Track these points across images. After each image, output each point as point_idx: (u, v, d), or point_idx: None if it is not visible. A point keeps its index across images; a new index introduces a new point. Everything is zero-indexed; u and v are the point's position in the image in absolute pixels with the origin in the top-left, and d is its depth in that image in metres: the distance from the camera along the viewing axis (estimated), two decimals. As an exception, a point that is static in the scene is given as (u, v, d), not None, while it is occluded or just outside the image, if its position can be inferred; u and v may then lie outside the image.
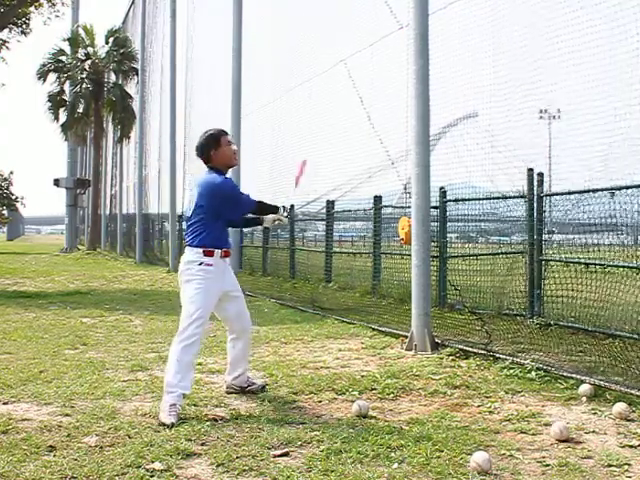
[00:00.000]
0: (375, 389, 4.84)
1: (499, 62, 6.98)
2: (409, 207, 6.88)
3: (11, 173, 36.47)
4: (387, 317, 7.93)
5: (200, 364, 5.60)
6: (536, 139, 6.95)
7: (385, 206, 10.49)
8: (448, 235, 9.15)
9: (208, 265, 4.30)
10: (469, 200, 8.41)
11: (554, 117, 6.97)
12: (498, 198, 8.05)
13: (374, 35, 9.27)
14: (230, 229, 4.68)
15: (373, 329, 7.50)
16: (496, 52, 7.00)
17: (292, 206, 13.57)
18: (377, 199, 10.48)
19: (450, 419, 4.10)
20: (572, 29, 5.82)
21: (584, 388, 4.65)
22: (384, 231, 10.66)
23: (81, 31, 29.47)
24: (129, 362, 5.73)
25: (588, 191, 6.49)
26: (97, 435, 3.72)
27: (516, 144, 7.10)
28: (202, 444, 3.61)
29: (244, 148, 12.40)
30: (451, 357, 5.96)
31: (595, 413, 4.26)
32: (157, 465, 3.26)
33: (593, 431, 3.91)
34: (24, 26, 24.82)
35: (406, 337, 6.57)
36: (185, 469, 3.26)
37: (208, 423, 3.95)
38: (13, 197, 37.03)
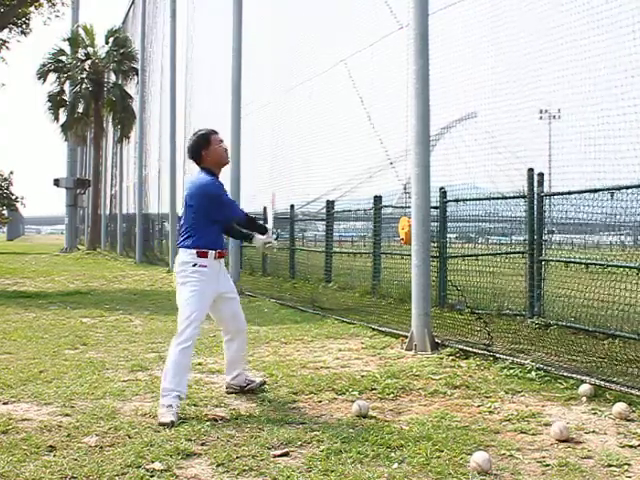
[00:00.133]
0: (375, 389, 4.84)
1: (499, 62, 6.98)
2: (409, 207, 6.88)
3: (11, 173, 36.47)
4: (387, 317, 7.93)
5: (200, 364, 5.61)
6: (536, 139, 6.95)
7: (385, 206, 10.50)
8: (448, 235, 9.15)
9: (202, 266, 4.30)
10: (469, 200, 8.41)
11: (554, 117, 6.97)
12: (498, 198, 8.05)
13: (374, 35, 9.27)
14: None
15: (373, 329, 7.50)
16: (496, 52, 7.00)
17: (292, 206, 13.60)
18: (377, 199, 10.49)
19: (450, 419, 4.10)
20: (572, 29, 5.83)
21: (584, 388, 4.65)
22: (384, 231, 10.66)
23: (81, 31, 29.47)
24: (129, 362, 5.73)
25: (588, 191, 6.49)
26: (97, 435, 3.72)
27: (516, 144, 7.10)
28: (202, 444, 3.61)
29: (244, 148, 12.40)
30: (451, 357, 5.96)
31: (595, 413, 4.26)
32: (157, 465, 3.26)
33: (593, 431, 3.91)
34: (24, 26, 24.82)
35: (406, 337, 6.57)
36: (185, 469, 3.26)
37: (208, 423, 3.95)
38: (13, 197, 36.99)
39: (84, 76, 28.23)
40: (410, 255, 6.75)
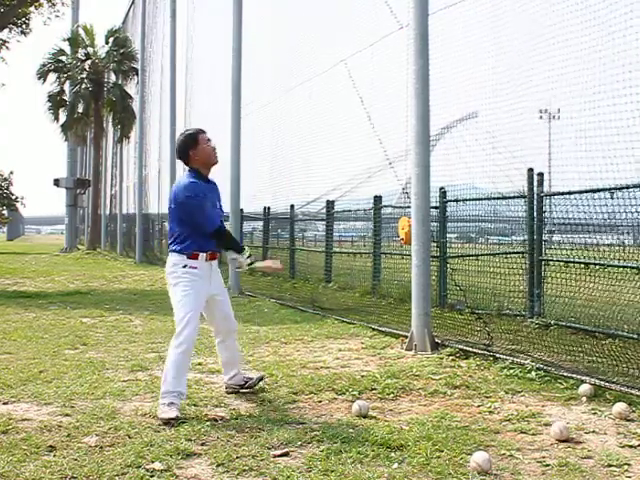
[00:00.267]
0: (375, 389, 4.84)
1: (499, 62, 6.97)
2: (409, 207, 6.88)
3: (11, 173, 36.51)
4: (387, 317, 7.93)
5: (200, 364, 5.61)
6: (536, 137, 6.95)
7: (385, 206, 10.50)
8: (448, 235, 9.15)
9: (192, 268, 4.29)
10: (469, 200, 8.41)
11: (554, 117, 6.97)
12: (498, 198, 8.05)
13: (374, 35, 9.27)
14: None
15: (373, 329, 7.50)
16: (497, 52, 7.00)
17: (292, 206, 13.60)
18: (377, 199, 10.49)
19: (450, 419, 4.10)
20: (571, 29, 5.83)
21: (584, 388, 4.65)
22: (384, 231, 10.66)
23: (81, 31, 29.47)
24: (129, 362, 5.74)
25: (588, 191, 6.48)
26: (97, 435, 3.72)
27: (516, 144, 7.10)
28: (202, 444, 3.61)
29: (244, 148, 12.40)
30: (451, 357, 5.96)
31: (595, 413, 4.26)
32: (157, 465, 3.26)
33: (593, 431, 3.91)
34: (24, 26, 24.86)
35: (406, 337, 6.57)
36: (185, 469, 3.26)
37: (208, 423, 3.95)
38: (13, 197, 37.04)
39: (84, 76, 28.22)
40: (410, 255, 6.75)
